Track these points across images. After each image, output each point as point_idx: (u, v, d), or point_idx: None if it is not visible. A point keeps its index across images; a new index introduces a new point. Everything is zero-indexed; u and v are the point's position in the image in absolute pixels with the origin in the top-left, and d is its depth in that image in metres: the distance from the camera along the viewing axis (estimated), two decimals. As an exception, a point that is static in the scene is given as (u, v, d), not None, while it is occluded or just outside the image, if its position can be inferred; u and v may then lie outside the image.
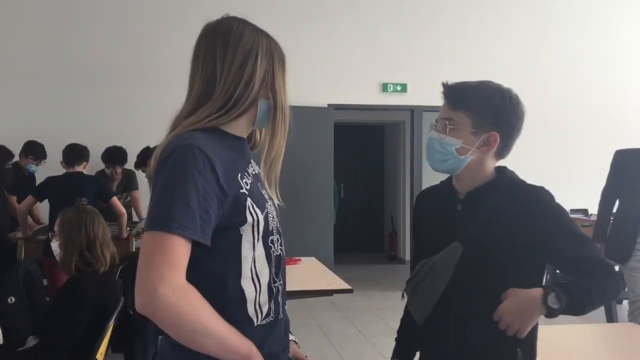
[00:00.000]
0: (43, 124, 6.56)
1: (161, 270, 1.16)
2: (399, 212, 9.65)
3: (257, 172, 1.42)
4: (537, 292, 1.49)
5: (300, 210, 6.90)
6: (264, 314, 1.35)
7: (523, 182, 1.67)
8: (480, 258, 1.60)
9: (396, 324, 1.96)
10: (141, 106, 6.71)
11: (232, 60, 1.35)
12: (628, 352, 2.43)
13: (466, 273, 1.61)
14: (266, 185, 1.41)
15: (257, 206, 1.33)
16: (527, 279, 1.60)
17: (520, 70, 7.58)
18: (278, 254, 1.41)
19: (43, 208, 5.19)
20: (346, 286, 3.37)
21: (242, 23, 1.40)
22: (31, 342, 2.80)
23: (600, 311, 5.33)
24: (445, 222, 1.70)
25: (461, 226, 1.64)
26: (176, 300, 1.16)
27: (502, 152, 1.68)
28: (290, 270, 3.84)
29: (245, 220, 1.30)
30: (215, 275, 1.29)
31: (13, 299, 3.77)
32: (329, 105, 7.31)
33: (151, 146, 1.30)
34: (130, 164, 6.03)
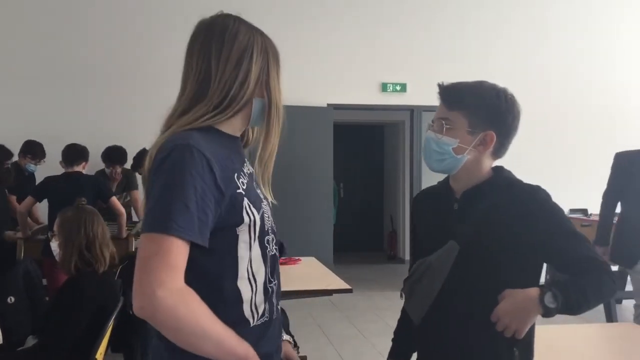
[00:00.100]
0: (42, 123, 6.56)
1: (159, 273, 1.15)
2: (398, 211, 9.65)
3: (251, 171, 1.42)
4: (533, 291, 1.49)
5: (299, 210, 6.90)
6: (259, 315, 1.35)
7: (519, 182, 1.68)
8: (477, 257, 1.61)
9: (396, 324, 1.96)
10: (141, 106, 6.71)
11: (228, 58, 1.33)
12: (628, 352, 2.42)
13: (463, 272, 1.61)
14: (260, 185, 1.41)
15: (253, 206, 1.32)
16: (524, 278, 1.60)
17: (520, 70, 7.58)
18: (273, 253, 1.40)
19: (42, 208, 5.19)
20: (346, 286, 3.37)
21: (238, 21, 1.39)
22: (31, 341, 2.79)
23: (600, 311, 5.33)
24: (442, 221, 1.71)
25: (458, 225, 1.65)
26: (174, 303, 1.15)
27: (499, 151, 1.69)
28: (290, 270, 3.86)
29: (242, 221, 1.29)
30: (211, 275, 1.28)
31: (13, 299, 3.76)
32: (328, 105, 7.31)
33: (147, 148, 1.30)
34: (130, 164, 6.03)
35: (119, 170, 5.93)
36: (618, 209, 4.52)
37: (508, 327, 1.50)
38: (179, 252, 1.18)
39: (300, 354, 4.66)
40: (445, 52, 7.49)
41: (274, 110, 1.39)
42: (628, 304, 6.22)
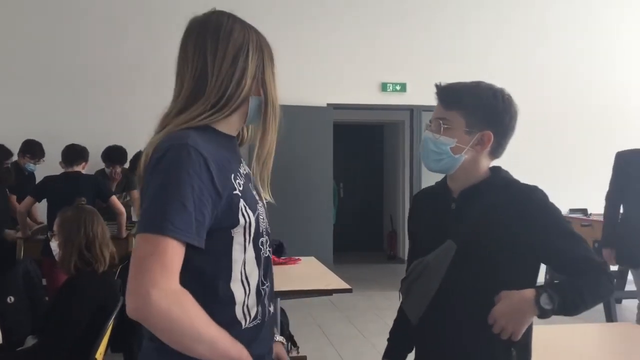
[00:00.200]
0: (42, 123, 6.56)
1: (154, 274, 1.13)
2: (398, 211, 9.64)
3: (247, 171, 1.40)
4: (529, 292, 1.49)
5: (299, 210, 6.90)
6: (252, 317, 1.33)
7: (517, 182, 1.68)
8: (474, 257, 1.61)
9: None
10: (140, 106, 6.70)
11: (224, 56, 1.32)
12: (628, 352, 2.42)
13: (460, 272, 1.61)
14: (258, 184, 1.39)
15: (249, 208, 1.31)
16: (521, 278, 1.61)
17: (520, 70, 7.58)
18: (267, 255, 1.39)
19: (41, 208, 5.19)
20: (346, 286, 3.37)
21: (232, 18, 1.37)
22: (30, 341, 2.79)
23: (600, 311, 5.33)
24: (440, 221, 1.71)
25: (455, 225, 1.65)
26: (169, 305, 1.13)
27: (497, 151, 1.69)
28: (290, 270, 3.86)
29: (237, 222, 1.28)
30: (205, 276, 1.27)
31: (12, 299, 3.76)
32: (328, 104, 7.31)
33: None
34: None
35: (118, 170, 5.93)
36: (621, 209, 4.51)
37: (505, 329, 1.50)
38: (174, 253, 1.16)
39: (300, 354, 4.69)
40: (445, 52, 7.49)
41: (270, 107, 1.38)
42: (628, 304, 6.22)
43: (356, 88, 7.40)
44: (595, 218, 6.32)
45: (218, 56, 1.31)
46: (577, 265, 1.55)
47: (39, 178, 5.28)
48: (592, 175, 7.46)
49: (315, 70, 7.26)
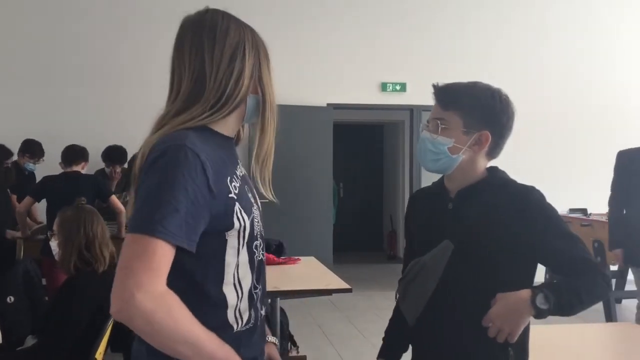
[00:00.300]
0: (42, 123, 6.56)
1: (141, 276, 1.12)
2: (398, 211, 9.64)
3: (244, 173, 1.39)
4: (525, 293, 1.49)
5: (299, 209, 6.90)
6: (244, 322, 1.32)
7: (514, 182, 1.69)
8: (471, 257, 1.61)
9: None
10: (141, 106, 6.70)
11: (221, 56, 1.30)
12: (627, 352, 2.42)
13: (457, 272, 1.62)
14: (259, 184, 1.38)
15: (244, 211, 1.29)
16: (518, 278, 1.61)
17: (520, 70, 7.58)
18: (260, 259, 1.38)
19: (41, 207, 5.19)
20: (345, 286, 3.36)
21: (226, 17, 1.35)
22: (30, 341, 2.79)
23: (600, 311, 5.33)
24: (437, 221, 1.71)
25: (452, 225, 1.66)
26: (153, 307, 1.11)
27: (494, 151, 1.70)
28: (290, 269, 3.86)
29: (232, 226, 1.26)
30: (197, 279, 1.26)
31: (12, 299, 3.76)
32: (328, 104, 7.31)
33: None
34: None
35: (118, 169, 5.93)
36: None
37: (501, 331, 1.50)
38: (163, 255, 1.14)
39: (300, 354, 4.68)
40: (445, 52, 7.49)
41: (268, 106, 1.36)
42: (628, 304, 6.22)
43: (356, 88, 7.40)
44: (595, 218, 6.32)
45: (215, 56, 1.30)
46: (574, 265, 1.55)
47: (39, 178, 5.28)
48: (592, 175, 7.47)
49: (315, 70, 7.26)
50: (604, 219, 6.08)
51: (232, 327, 1.30)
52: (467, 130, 1.64)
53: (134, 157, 5.64)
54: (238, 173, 1.34)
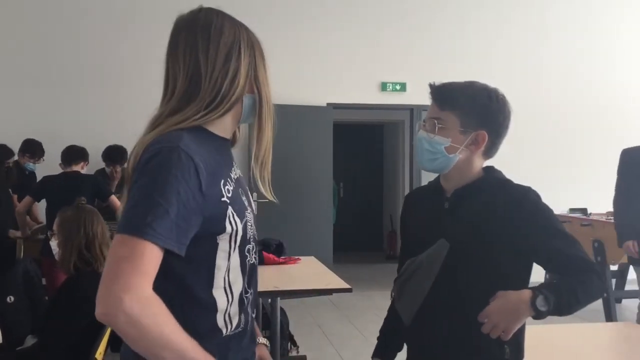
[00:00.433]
0: (42, 123, 6.56)
1: (128, 278, 1.09)
2: (398, 211, 9.57)
3: (238, 175, 1.37)
4: (526, 293, 1.49)
5: (299, 209, 6.90)
6: (233, 326, 1.30)
7: (510, 182, 1.69)
8: (467, 256, 1.62)
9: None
10: (141, 106, 6.70)
11: (216, 55, 1.29)
12: (628, 352, 2.42)
13: (453, 271, 1.62)
14: (259, 184, 1.36)
15: (237, 215, 1.27)
16: (514, 278, 1.62)
17: (520, 70, 7.58)
18: (252, 262, 1.36)
19: (41, 207, 5.19)
20: (345, 285, 3.36)
21: (221, 15, 1.34)
22: (30, 341, 2.79)
23: (600, 311, 5.33)
24: (433, 220, 1.72)
25: (448, 224, 1.66)
26: (140, 311, 1.08)
27: (490, 151, 1.70)
28: (290, 269, 3.85)
29: (224, 230, 1.25)
30: (186, 283, 1.24)
31: (12, 298, 3.76)
32: (328, 104, 7.30)
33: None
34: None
35: (118, 169, 5.93)
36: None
37: (496, 327, 1.50)
38: (151, 257, 1.12)
39: (300, 354, 4.68)
40: (445, 52, 7.49)
41: (265, 105, 1.35)
42: (628, 304, 6.22)
43: (356, 88, 7.40)
44: (595, 218, 6.32)
45: (210, 55, 1.28)
46: (571, 264, 1.56)
47: (40, 178, 5.28)
48: (592, 175, 7.47)
49: (315, 70, 7.26)
50: (604, 218, 6.08)
51: (221, 331, 1.28)
52: (464, 129, 1.65)
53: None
54: (232, 176, 1.32)
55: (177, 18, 1.35)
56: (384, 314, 1.99)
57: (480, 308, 1.53)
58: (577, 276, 1.54)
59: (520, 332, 1.61)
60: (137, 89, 6.82)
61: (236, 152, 1.46)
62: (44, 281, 4.24)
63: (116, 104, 6.83)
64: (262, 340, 1.56)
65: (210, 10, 1.34)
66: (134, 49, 6.85)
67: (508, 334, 1.51)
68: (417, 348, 1.76)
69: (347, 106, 7.54)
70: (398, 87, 7.50)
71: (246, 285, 1.34)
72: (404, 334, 1.79)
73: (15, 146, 5.62)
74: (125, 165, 5.97)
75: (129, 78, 6.84)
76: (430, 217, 1.73)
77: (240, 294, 1.32)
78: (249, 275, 1.35)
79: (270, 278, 3.44)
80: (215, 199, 1.23)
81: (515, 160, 6.50)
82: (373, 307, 6.18)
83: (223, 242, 1.26)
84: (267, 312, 3.95)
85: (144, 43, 6.88)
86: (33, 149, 5.66)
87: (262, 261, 3.85)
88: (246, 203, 1.35)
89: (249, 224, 1.33)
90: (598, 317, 5.24)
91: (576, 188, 7.41)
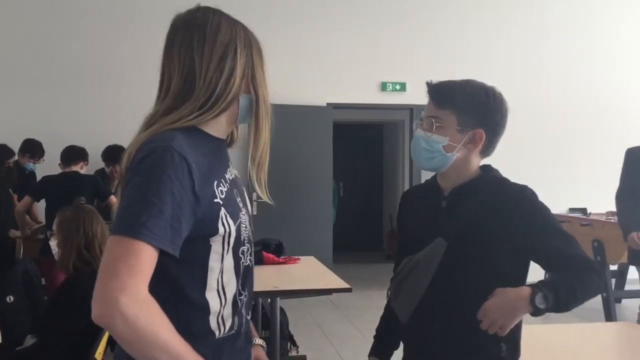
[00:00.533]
0: (42, 123, 6.55)
1: (125, 279, 1.08)
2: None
3: (234, 176, 1.35)
4: (525, 291, 1.49)
5: (299, 209, 6.90)
6: (226, 328, 1.29)
7: (507, 180, 1.69)
8: (465, 254, 1.62)
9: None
10: (141, 106, 6.67)
11: (211, 54, 1.27)
12: (627, 352, 2.42)
13: (450, 269, 1.62)
14: (255, 186, 1.34)
15: (230, 216, 1.26)
16: (511, 276, 1.62)
17: (520, 70, 7.58)
18: (247, 264, 1.35)
19: (41, 207, 5.19)
20: (345, 285, 3.36)
21: (218, 14, 1.32)
22: (30, 341, 2.79)
23: (600, 310, 5.33)
24: (430, 218, 1.72)
25: (446, 223, 1.66)
26: (137, 312, 1.07)
27: (487, 149, 1.70)
28: (290, 269, 3.85)
29: (216, 231, 1.24)
30: (179, 284, 1.23)
31: (12, 298, 3.76)
32: (328, 104, 7.30)
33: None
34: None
35: (118, 169, 5.92)
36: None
37: (494, 323, 1.50)
38: (147, 258, 1.10)
39: (300, 353, 4.68)
40: (445, 52, 7.49)
41: (262, 105, 1.33)
42: (627, 304, 6.22)
43: (356, 87, 7.40)
44: (594, 217, 6.32)
45: (205, 54, 1.27)
46: (569, 262, 1.56)
47: (39, 178, 5.28)
48: (592, 175, 7.47)
49: (315, 69, 7.26)
50: (604, 218, 6.09)
51: (214, 333, 1.27)
52: (461, 128, 1.65)
53: None
54: (227, 176, 1.31)
55: (174, 17, 1.34)
56: (384, 313, 2.00)
57: (477, 306, 1.53)
58: (576, 274, 1.54)
59: (517, 329, 1.62)
60: (137, 89, 6.81)
61: (235, 152, 1.46)
62: (43, 281, 4.24)
63: (116, 104, 6.82)
64: (258, 341, 1.55)
65: (207, 9, 1.33)
66: (134, 49, 6.84)
67: (504, 330, 1.51)
68: (414, 346, 1.76)
69: (347, 106, 7.53)
70: (398, 87, 7.50)
71: (240, 288, 1.32)
72: (401, 333, 1.80)
73: (15, 146, 5.62)
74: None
75: (129, 78, 6.83)
76: (428, 215, 1.73)
77: (234, 296, 1.31)
78: (243, 277, 1.33)
79: (270, 278, 3.44)
80: (208, 200, 1.22)
81: (515, 160, 6.52)
82: (373, 307, 6.18)
83: (216, 243, 1.25)
84: (266, 312, 3.95)
85: (144, 43, 6.88)
86: (33, 149, 5.66)
87: (262, 261, 3.85)
88: (241, 204, 1.33)
89: (244, 225, 1.32)
90: (598, 317, 5.24)
91: (576, 188, 7.41)
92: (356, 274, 7.61)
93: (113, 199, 4.87)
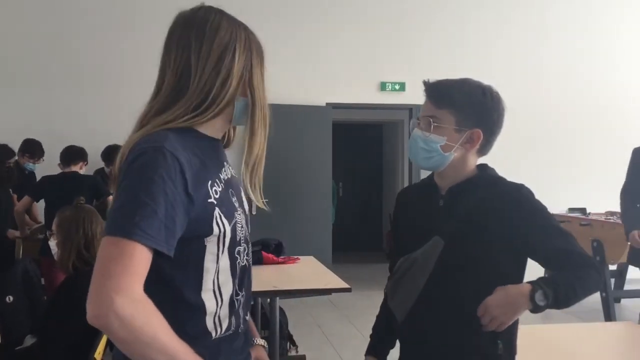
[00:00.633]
0: (42, 123, 6.55)
1: (120, 279, 1.06)
2: (398, 211, 9.62)
3: (229, 176, 1.33)
4: (526, 287, 1.50)
5: (298, 209, 6.90)
6: (223, 329, 1.28)
7: (503, 179, 1.70)
8: (462, 253, 1.62)
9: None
10: (141, 106, 6.68)
11: (208, 55, 1.25)
12: (627, 351, 2.42)
13: (447, 268, 1.62)
14: (249, 191, 1.32)
15: (225, 216, 1.24)
16: (508, 274, 1.62)
17: (520, 70, 7.58)
18: (243, 264, 1.33)
19: (41, 207, 5.19)
20: (345, 285, 3.36)
21: (219, 14, 1.29)
22: (29, 341, 2.79)
23: (599, 310, 5.33)
24: (427, 217, 1.72)
25: (443, 222, 1.66)
26: (132, 313, 1.06)
27: (485, 148, 1.71)
28: (289, 269, 3.85)
29: (211, 232, 1.22)
30: (174, 285, 1.22)
31: (11, 298, 3.76)
32: (327, 104, 7.30)
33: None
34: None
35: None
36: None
37: (494, 319, 1.50)
38: (141, 259, 1.09)
39: (300, 354, 4.68)
40: (445, 52, 7.49)
41: (258, 109, 1.30)
42: (627, 303, 6.22)
43: (355, 87, 7.40)
44: (594, 217, 6.33)
45: (202, 54, 1.25)
46: (567, 259, 1.56)
47: (39, 178, 5.28)
48: (591, 175, 7.48)
49: (315, 69, 7.26)
50: (603, 218, 6.10)
51: (210, 334, 1.26)
52: (459, 128, 1.65)
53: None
54: (222, 176, 1.29)
55: (176, 15, 1.33)
56: (383, 313, 1.99)
57: (474, 304, 1.53)
58: (575, 271, 1.54)
59: (513, 327, 1.62)
60: (137, 89, 6.78)
61: (235, 153, 1.45)
62: (43, 281, 4.24)
63: (116, 104, 6.82)
64: (259, 341, 1.54)
65: (210, 9, 1.31)
66: (134, 49, 6.84)
67: (503, 327, 1.51)
68: (410, 345, 1.77)
69: (346, 106, 7.53)
70: (397, 87, 7.50)
71: (237, 288, 1.31)
72: (397, 331, 1.80)
73: (15, 146, 5.62)
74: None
75: (129, 78, 6.82)
76: (425, 214, 1.74)
77: (231, 297, 1.30)
78: (240, 277, 1.32)
79: (270, 278, 3.44)
80: (201, 200, 1.20)
81: (514, 159, 6.52)
82: (372, 307, 6.15)
83: (211, 244, 1.24)
84: (266, 312, 3.95)
85: (144, 43, 6.88)
86: (33, 149, 5.66)
87: (261, 261, 3.85)
88: (237, 204, 1.32)
89: (239, 225, 1.31)
90: (597, 316, 5.24)
91: (575, 188, 7.41)
92: (356, 274, 7.61)
93: (112, 198, 4.87)
